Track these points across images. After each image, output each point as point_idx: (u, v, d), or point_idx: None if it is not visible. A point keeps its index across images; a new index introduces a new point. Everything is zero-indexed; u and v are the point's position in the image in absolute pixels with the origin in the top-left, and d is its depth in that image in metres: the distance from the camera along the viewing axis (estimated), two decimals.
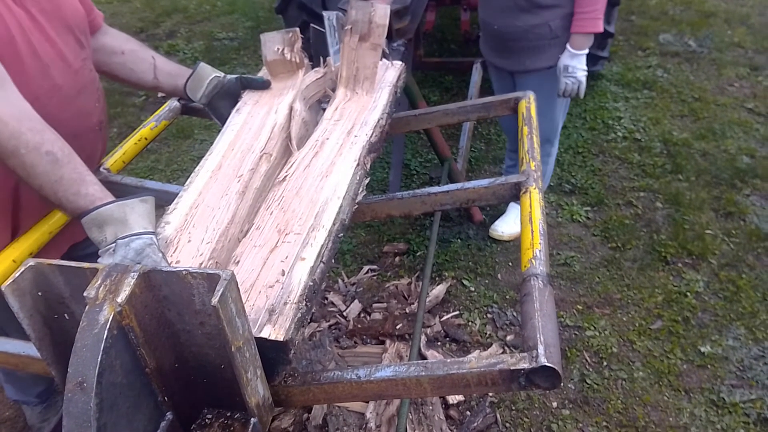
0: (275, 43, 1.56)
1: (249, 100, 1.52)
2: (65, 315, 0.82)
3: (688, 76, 4.19)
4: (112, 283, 0.76)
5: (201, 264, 1.05)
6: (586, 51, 2.29)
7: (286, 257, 1.06)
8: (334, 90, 1.59)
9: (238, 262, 1.07)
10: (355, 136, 1.38)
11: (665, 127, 3.64)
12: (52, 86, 1.27)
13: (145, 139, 1.65)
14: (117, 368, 0.74)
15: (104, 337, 0.71)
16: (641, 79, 4.15)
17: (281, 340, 0.90)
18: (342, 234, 1.17)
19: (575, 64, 2.29)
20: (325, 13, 1.86)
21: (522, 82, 2.45)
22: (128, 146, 1.60)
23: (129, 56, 1.53)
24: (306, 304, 0.98)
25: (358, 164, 1.29)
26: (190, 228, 1.13)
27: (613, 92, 4.02)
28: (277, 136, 1.35)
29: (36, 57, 1.23)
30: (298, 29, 1.58)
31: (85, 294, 0.75)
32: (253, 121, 1.42)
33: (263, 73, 1.61)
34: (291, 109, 1.43)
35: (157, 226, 1.12)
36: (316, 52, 1.76)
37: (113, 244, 0.99)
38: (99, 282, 0.76)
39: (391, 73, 1.66)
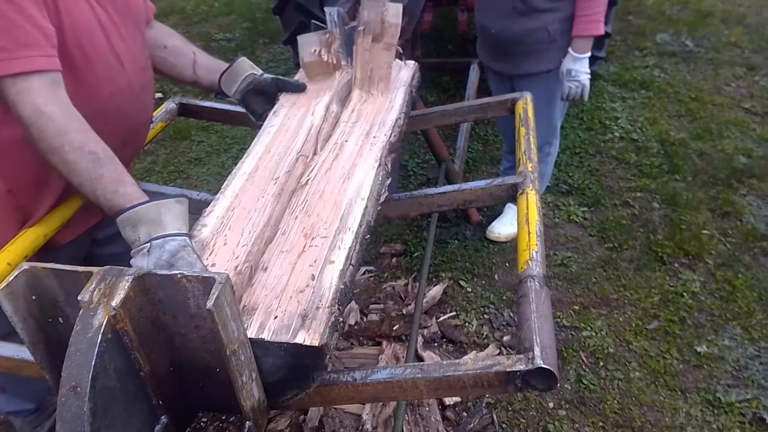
0: (312, 45, 1.56)
1: (286, 102, 1.52)
2: (59, 319, 0.82)
3: (685, 76, 4.20)
4: (107, 286, 0.75)
5: (236, 266, 1.03)
6: (588, 54, 2.29)
7: (315, 261, 1.04)
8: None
9: (266, 268, 1.05)
10: (374, 137, 1.37)
11: (662, 127, 3.65)
12: (126, 83, 1.33)
13: None
14: (111, 372, 0.73)
15: (98, 341, 0.71)
16: (638, 79, 4.15)
17: (316, 345, 0.89)
18: (368, 236, 1.16)
19: (578, 67, 2.29)
20: (326, 9, 1.85)
21: (520, 85, 2.45)
22: None
23: (171, 51, 1.57)
24: (339, 308, 0.97)
25: (379, 165, 1.28)
26: (226, 231, 1.12)
27: (610, 92, 4.02)
28: (314, 138, 1.35)
29: (114, 54, 1.29)
30: (336, 30, 1.58)
31: (79, 298, 0.75)
32: (290, 123, 1.42)
33: (299, 77, 1.61)
34: (327, 110, 1.43)
35: (194, 229, 1.12)
36: None
37: (147, 245, 0.98)
38: (93, 286, 0.76)
39: (405, 72, 1.64)
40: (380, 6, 1.52)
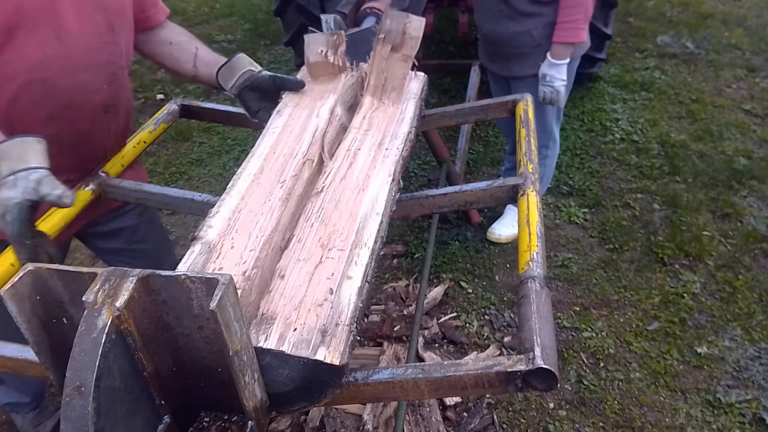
0: (319, 45, 1.55)
1: (290, 101, 1.50)
2: (63, 319, 0.82)
3: (686, 78, 4.21)
4: (111, 287, 0.76)
5: (245, 272, 1.02)
6: (567, 60, 2.29)
7: (332, 274, 1.03)
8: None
9: (284, 275, 1.04)
10: (387, 149, 1.36)
11: (663, 129, 3.65)
12: (59, 55, 1.33)
13: (144, 142, 1.65)
14: (115, 372, 0.74)
15: (102, 341, 0.71)
16: (639, 80, 4.16)
17: (337, 364, 0.88)
18: (382, 252, 1.15)
19: (553, 73, 2.30)
20: (323, 17, 1.87)
21: (515, 87, 2.48)
22: (127, 149, 1.60)
23: (175, 47, 1.63)
24: (356, 327, 0.96)
25: (393, 179, 1.27)
26: (233, 233, 1.11)
27: (610, 94, 4.03)
28: (319, 142, 1.34)
29: (53, 25, 1.31)
30: (342, 32, 1.57)
31: (83, 298, 0.75)
32: (295, 124, 1.41)
33: (302, 76, 1.60)
34: (332, 113, 1.42)
35: (200, 229, 1.12)
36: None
37: (11, 177, 1.07)
38: (98, 286, 0.76)
39: (415, 84, 1.63)
40: (403, 17, 1.52)
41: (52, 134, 1.37)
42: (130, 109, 1.63)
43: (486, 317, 2.50)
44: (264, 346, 0.90)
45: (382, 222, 1.16)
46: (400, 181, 1.32)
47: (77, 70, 1.38)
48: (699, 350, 2.30)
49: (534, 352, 0.89)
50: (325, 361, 0.88)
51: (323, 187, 1.23)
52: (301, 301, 0.98)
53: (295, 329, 0.93)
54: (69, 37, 1.34)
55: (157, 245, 1.90)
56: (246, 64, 1.56)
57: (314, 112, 1.44)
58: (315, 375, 0.90)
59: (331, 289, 1.00)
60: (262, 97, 1.56)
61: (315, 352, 0.89)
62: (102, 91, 1.45)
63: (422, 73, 1.68)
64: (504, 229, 2.88)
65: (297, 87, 1.54)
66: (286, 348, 0.90)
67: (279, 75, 1.56)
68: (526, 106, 1.62)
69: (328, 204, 1.19)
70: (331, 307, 0.97)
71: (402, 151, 1.37)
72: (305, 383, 0.91)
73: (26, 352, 1.01)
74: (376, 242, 1.11)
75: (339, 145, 1.37)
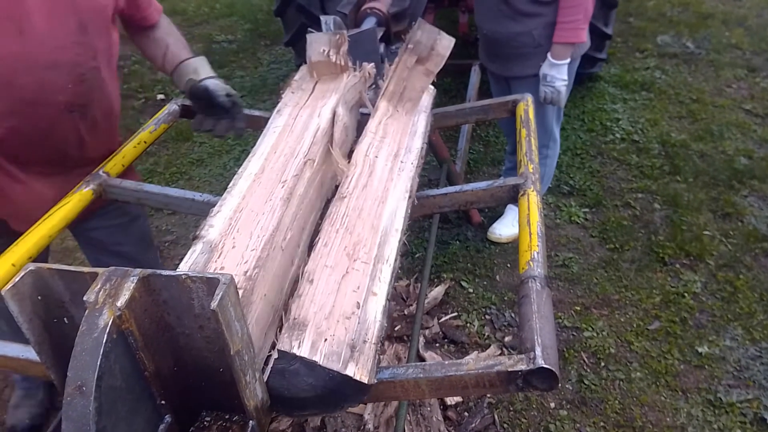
0: (321, 45, 1.55)
1: (290, 101, 1.50)
2: (65, 319, 0.83)
3: (686, 78, 4.21)
4: (112, 287, 0.76)
5: (246, 272, 1.01)
6: (567, 60, 2.30)
7: (358, 287, 1.03)
8: (370, 98, 1.57)
9: (312, 280, 1.03)
10: (402, 162, 1.36)
11: (663, 129, 3.65)
12: (22, 49, 1.33)
13: (144, 142, 1.65)
14: (116, 372, 0.74)
15: (104, 341, 0.71)
16: (639, 80, 4.16)
17: (366, 383, 0.88)
18: (399, 270, 1.16)
19: (554, 73, 2.30)
20: (322, 18, 1.87)
21: (515, 87, 2.48)
22: (127, 150, 1.60)
23: (152, 42, 1.69)
24: (380, 347, 0.96)
25: (409, 196, 1.27)
26: (234, 233, 1.11)
27: (611, 94, 4.03)
28: (320, 141, 1.33)
29: (14, 21, 1.30)
30: (345, 32, 1.57)
31: (84, 298, 0.75)
32: (296, 124, 1.41)
33: (301, 75, 1.60)
34: (334, 113, 1.41)
35: (202, 228, 1.12)
36: None
37: None
38: (99, 286, 0.76)
39: (426, 97, 1.63)
40: (435, 33, 1.52)
41: (12, 127, 1.39)
42: (110, 110, 1.61)
43: (487, 317, 2.50)
44: (297, 353, 0.90)
45: (401, 239, 1.17)
46: (416, 199, 1.32)
47: (39, 68, 1.36)
48: (700, 350, 2.30)
49: (535, 352, 0.89)
50: (355, 377, 0.88)
51: (347, 193, 1.23)
52: (331, 311, 0.98)
53: (325, 340, 0.93)
54: (33, 34, 1.33)
55: (135, 249, 1.92)
56: (190, 72, 1.57)
57: (315, 111, 1.44)
58: (339, 388, 0.90)
59: (357, 302, 1.00)
60: (201, 107, 1.56)
61: (345, 366, 0.90)
62: (66, 90, 1.43)
63: (432, 87, 1.68)
64: (504, 228, 2.88)
65: (221, 105, 1.51)
66: (319, 358, 0.90)
67: (210, 89, 1.53)
68: (526, 106, 1.62)
69: (352, 212, 1.19)
70: (358, 323, 0.97)
71: (416, 166, 1.37)
72: (326, 393, 0.91)
73: (28, 352, 1.01)
74: (396, 260, 1.12)
75: (355, 147, 1.37)
